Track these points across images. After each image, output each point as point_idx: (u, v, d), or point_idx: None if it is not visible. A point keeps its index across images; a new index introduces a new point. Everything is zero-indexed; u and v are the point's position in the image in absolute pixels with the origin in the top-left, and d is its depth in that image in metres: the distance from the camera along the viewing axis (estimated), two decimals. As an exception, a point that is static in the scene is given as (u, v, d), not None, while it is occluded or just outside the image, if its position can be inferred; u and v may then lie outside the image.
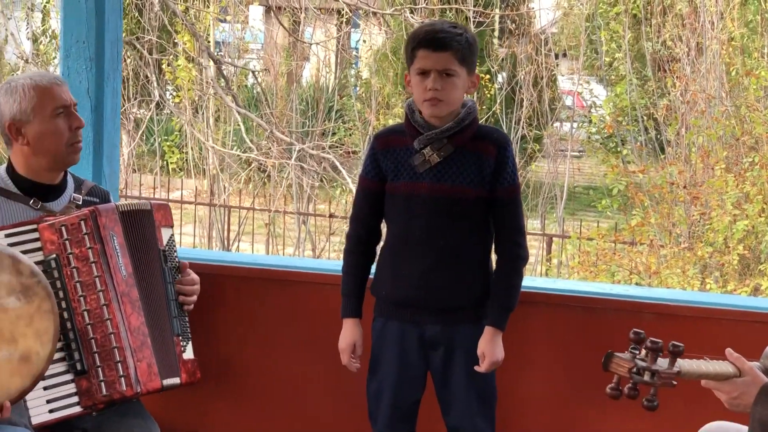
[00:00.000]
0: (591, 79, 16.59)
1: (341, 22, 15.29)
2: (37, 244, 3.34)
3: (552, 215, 13.48)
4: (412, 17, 11.75)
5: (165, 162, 13.46)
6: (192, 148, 12.87)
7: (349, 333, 3.60)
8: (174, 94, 12.93)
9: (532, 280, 3.77)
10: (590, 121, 15.21)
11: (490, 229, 3.54)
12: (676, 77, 12.12)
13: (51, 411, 3.30)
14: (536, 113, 13.76)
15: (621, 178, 11.37)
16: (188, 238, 12.27)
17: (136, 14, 12.39)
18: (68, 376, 3.33)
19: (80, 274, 3.36)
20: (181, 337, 3.58)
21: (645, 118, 12.68)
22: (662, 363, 2.69)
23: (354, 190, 4.28)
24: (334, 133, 13.51)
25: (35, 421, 3.28)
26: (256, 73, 14.39)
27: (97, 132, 4.17)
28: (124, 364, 3.35)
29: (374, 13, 13.49)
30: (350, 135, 14.06)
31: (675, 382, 2.71)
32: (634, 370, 2.67)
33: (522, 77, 13.63)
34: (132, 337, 3.39)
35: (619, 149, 13.14)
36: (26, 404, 3.25)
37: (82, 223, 3.39)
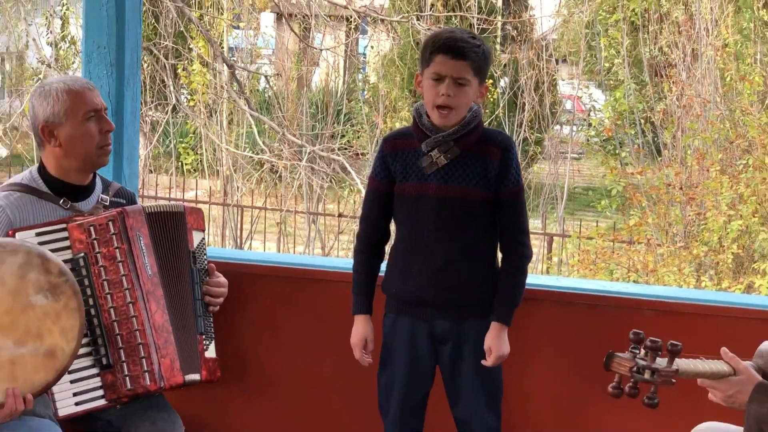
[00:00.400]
0: (590, 84, 16.61)
1: (350, 29, 15.32)
2: (66, 243, 3.37)
3: (553, 215, 13.49)
4: (418, 24, 11.76)
5: (180, 163, 13.48)
6: (206, 150, 12.88)
7: (360, 329, 3.62)
8: (189, 97, 12.93)
9: (536, 277, 3.78)
10: (590, 125, 15.21)
11: (496, 229, 3.55)
12: (673, 82, 12.14)
13: (77, 403, 3.32)
14: (537, 117, 13.79)
15: (619, 180, 11.38)
16: (202, 237, 12.25)
17: (153, 21, 12.42)
18: (94, 371, 3.35)
19: (107, 272, 3.38)
20: (204, 336, 3.60)
21: (642, 121, 12.67)
22: (661, 362, 2.71)
23: (362, 191, 4.29)
24: (342, 136, 13.52)
25: (62, 413, 3.30)
26: (268, 77, 14.41)
27: (117, 134, 4.14)
28: (148, 360, 3.38)
29: (382, 20, 13.53)
30: (358, 137, 14.07)
31: (674, 380, 2.73)
32: (635, 369, 2.69)
33: (524, 82, 13.65)
34: (156, 334, 3.41)
35: (617, 151, 13.14)
36: (53, 397, 3.27)
37: (111, 223, 3.41)
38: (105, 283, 3.38)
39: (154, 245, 3.50)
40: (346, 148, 12.81)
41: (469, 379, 3.53)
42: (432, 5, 13.57)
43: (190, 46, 12.13)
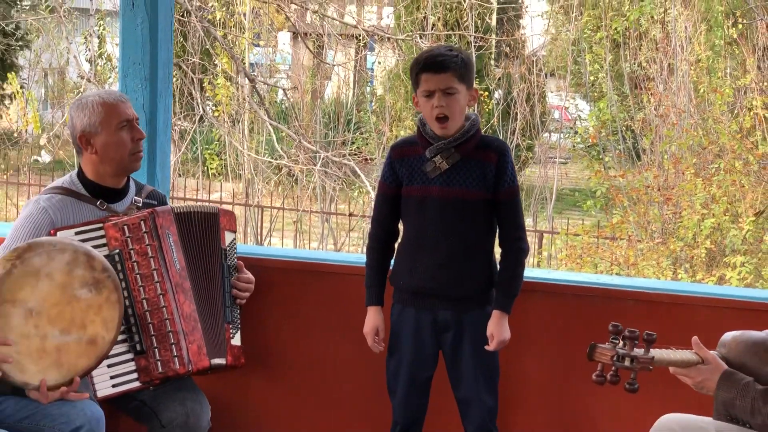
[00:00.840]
0: (576, 96, 16.58)
1: (359, 46, 15.29)
2: (103, 241, 3.37)
3: (542, 214, 13.48)
4: (421, 42, 11.76)
5: (206, 168, 13.47)
6: (230, 156, 12.87)
7: (372, 319, 3.60)
8: (214, 108, 12.91)
9: (530, 271, 3.76)
10: (576, 132, 15.20)
11: (493, 227, 3.54)
12: (651, 94, 12.11)
13: (114, 385, 3.33)
14: (528, 125, 13.79)
15: (603, 182, 11.36)
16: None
17: (182, 39, 12.38)
18: (129, 356, 3.36)
19: (140, 267, 3.38)
20: (231, 325, 3.59)
21: (624, 129, 12.64)
22: (639, 351, 2.73)
23: (370, 192, 4.27)
24: (353, 143, 13.49)
25: (100, 394, 3.31)
26: (286, 90, 14.40)
27: (151, 142, 4.16)
28: (177, 346, 3.38)
29: (388, 38, 13.51)
30: (367, 144, 14.05)
31: (651, 367, 2.74)
32: (616, 357, 2.71)
33: (516, 94, 13.66)
34: (184, 323, 3.41)
35: (601, 156, 13.12)
36: (92, 379, 3.28)
37: (142, 222, 3.41)
38: (138, 276, 3.37)
39: (182, 242, 3.49)
40: (355, 154, 12.77)
41: (469, 364, 3.52)
42: (433, 25, 13.58)
43: (215, 62, 12.10)
